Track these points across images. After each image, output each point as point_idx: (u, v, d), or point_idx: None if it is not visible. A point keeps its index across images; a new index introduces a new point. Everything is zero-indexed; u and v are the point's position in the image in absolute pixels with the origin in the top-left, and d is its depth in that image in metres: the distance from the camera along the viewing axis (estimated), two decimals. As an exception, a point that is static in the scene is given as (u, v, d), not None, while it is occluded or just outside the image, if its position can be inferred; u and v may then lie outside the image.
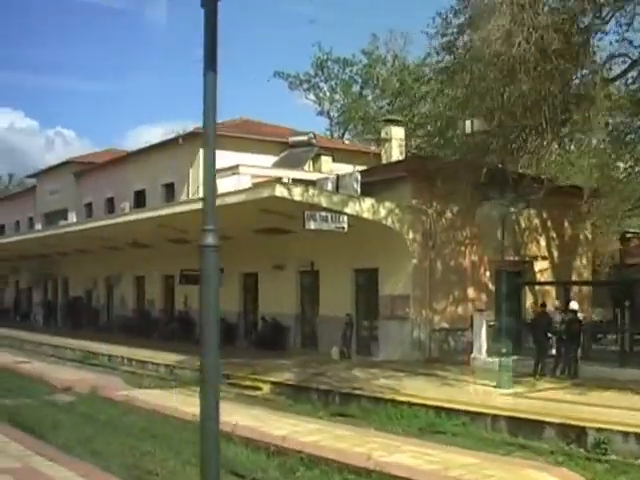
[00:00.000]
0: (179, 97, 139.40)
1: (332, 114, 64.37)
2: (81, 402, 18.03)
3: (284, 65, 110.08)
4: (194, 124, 43.67)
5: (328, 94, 64.54)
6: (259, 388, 21.97)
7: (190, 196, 36.08)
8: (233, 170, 35.12)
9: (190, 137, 36.90)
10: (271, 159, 38.27)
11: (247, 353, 28.74)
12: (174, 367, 25.71)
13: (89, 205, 46.23)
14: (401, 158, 34.29)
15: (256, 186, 31.68)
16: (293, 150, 39.00)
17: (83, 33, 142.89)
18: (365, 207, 25.53)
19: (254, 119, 44.09)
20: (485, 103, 21.07)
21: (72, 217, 46.87)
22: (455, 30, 22.01)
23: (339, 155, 39.20)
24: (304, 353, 28.37)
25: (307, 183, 27.43)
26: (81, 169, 47.21)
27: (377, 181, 27.16)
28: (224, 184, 35.72)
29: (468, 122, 21.06)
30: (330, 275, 28.96)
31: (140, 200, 40.48)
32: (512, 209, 23.48)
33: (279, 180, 34.15)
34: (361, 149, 42.45)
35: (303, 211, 24.18)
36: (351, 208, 25.09)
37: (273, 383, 21.97)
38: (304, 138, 39.75)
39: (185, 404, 16.65)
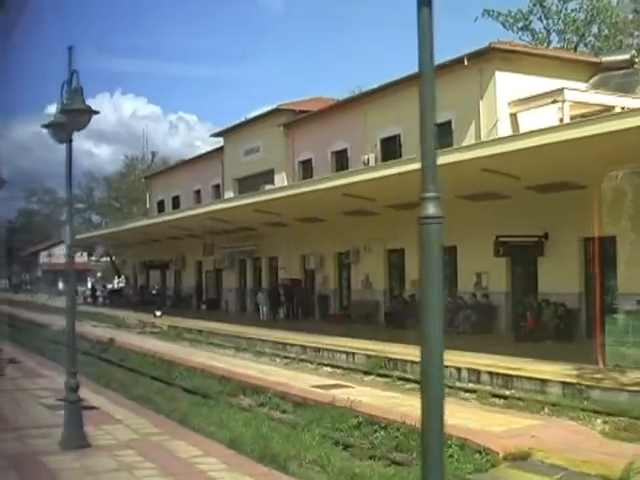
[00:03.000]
0: (297, 79, 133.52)
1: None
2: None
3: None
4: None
5: (544, 33, 55.07)
6: None
7: (483, 136, 25.97)
8: (554, 96, 24.85)
9: (480, 56, 26.68)
10: (575, 85, 27.66)
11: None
12: (583, 386, 15.44)
13: (306, 162, 36.63)
14: None
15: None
16: (609, 74, 28.30)
17: (203, 20, 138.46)
18: None
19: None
20: None
21: (281, 179, 37.46)
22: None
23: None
24: None
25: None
26: (292, 119, 37.54)
27: None
28: (530, 118, 25.66)
29: None
30: None
31: (391, 149, 30.66)
32: None
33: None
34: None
35: None
36: None
37: None
38: (624, 57, 29.07)
39: None
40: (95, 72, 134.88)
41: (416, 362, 19.90)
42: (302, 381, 16.94)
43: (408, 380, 18.62)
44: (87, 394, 15.21)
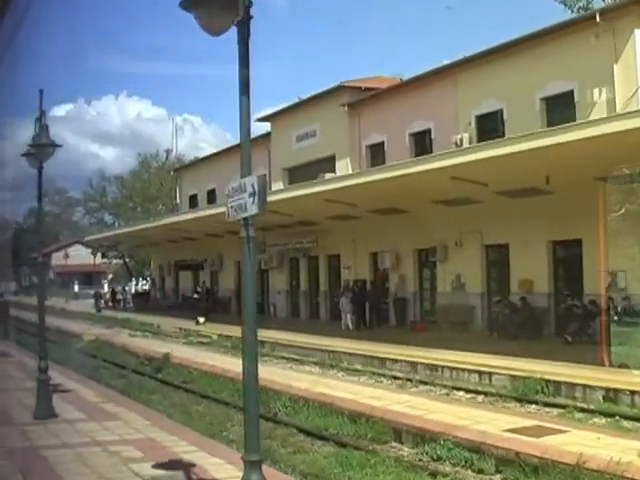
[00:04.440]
0: (306, 79, 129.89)
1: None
2: None
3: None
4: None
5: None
6: None
7: (619, 108, 21.40)
8: None
9: (614, 12, 22.18)
10: None
11: None
12: None
13: (376, 146, 32.06)
14: None
15: None
16: None
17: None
18: None
19: None
20: None
21: (344, 166, 32.93)
22: None
23: None
24: None
25: None
26: (357, 99, 32.99)
27: None
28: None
29: None
30: None
31: (489, 127, 26.24)
32: None
33: None
34: None
35: None
36: None
37: None
38: None
39: None
40: (101, 74, 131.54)
41: (589, 386, 15.53)
42: (475, 420, 12.34)
43: (591, 412, 14.13)
44: (179, 444, 10.76)
